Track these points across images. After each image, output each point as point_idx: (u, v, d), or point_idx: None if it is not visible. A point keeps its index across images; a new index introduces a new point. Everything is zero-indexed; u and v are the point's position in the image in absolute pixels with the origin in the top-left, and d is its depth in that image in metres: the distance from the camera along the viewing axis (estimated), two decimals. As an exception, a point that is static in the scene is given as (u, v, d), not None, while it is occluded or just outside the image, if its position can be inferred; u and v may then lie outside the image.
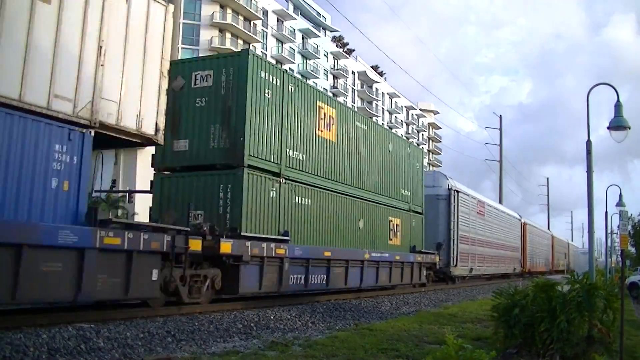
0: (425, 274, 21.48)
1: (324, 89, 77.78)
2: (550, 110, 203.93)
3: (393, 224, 19.36)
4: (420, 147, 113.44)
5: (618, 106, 12.28)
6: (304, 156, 14.29)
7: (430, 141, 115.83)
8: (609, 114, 12.47)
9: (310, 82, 74.70)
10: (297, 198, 13.83)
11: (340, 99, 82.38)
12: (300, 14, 75.43)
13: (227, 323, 9.76)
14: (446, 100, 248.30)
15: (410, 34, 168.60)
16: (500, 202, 46.53)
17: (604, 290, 7.02)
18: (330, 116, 15.64)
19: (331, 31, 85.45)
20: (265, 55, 67.59)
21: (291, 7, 73.15)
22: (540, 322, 6.73)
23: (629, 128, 12.20)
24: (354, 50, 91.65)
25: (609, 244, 42.66)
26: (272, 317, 10.95)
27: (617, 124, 12.16)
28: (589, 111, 13.82)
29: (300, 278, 13.64)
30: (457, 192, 25.98)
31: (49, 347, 6.88)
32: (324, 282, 14.67)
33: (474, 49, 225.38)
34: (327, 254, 14.63)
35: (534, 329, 6.80)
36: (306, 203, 14.21)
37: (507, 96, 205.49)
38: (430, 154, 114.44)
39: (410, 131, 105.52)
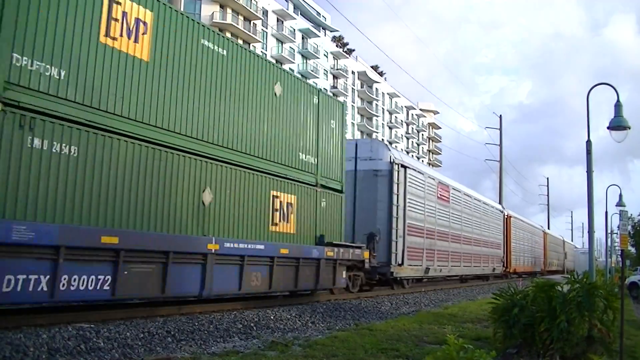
0: (345, 276, 15.52)
1: (324, 89, 77.92)
2: (550, 110, 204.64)
3: (281, 202, 13.20)
4: (420, 146, 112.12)
5: (618, 106, 12.31)
6: (65, 73, 8.59)
7: (430, 141, 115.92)
8: (609, 114, 12.52)
9: (310, 81, 74.94)
10: (36, 141, 8.16)
11: (341, 99, 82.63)
12: (300, 13, 75.49)
13: (227, 323, 9.77)
14: (446, 100, 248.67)
15: (410, 34, 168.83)
16: (500, 202, 46.43)
17: (604, 290, 7.02)
18: (138, 19, 9.84)
19: (331, 31, 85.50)
20: (266, 55, 67.66)
21: (291, 7, 73.21)
22: (540, 322, 6.73)
23: (629, 128, 12.23)
24: (354, 50, 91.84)
25: (609, 244, 42.70)
26: (272, 317, 10.95)
27: (617, 124, 12.18)
28: (589, 111, 13.86)
29: (37, 281, 7.83)
30: (404, 167, 19.34)
31: (49, 347, 6.88)
32: (107, 287, 8.72)
33: (474, 49, 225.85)
34: (111, 240, 8.73)
35: (534, 329, 6.80)
36: (65, 152, 8.52)
37: (507, 96, 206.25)
38: (430, 153, 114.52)
39: (410, 131, 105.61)
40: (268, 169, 12.95)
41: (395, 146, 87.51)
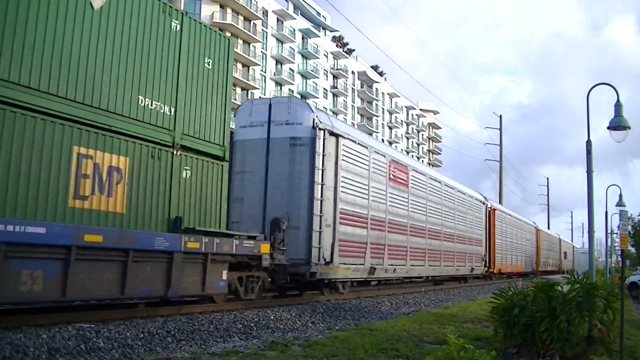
0: (227, 277, 11.14)
1: (324, 89, 77.96)
2: (550, 110, 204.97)
3: (96, 166, 9.01)
4: (420, 146, 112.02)
5: (618, 106, 12.31)
6: None
7: (430, 141, 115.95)
8: (609, 114, 12.52)
9: (310, 82, 75.06)
10: None
11: (340, 99, 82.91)
12: (300, 14, 75.54)
13: (227, 323, 9.77)
14: (446, 100, 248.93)
15: (410, 34, 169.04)
16: (500, 202, 46.43)
17: (604, 290, 7.03)
18: None
19: (331, 31, 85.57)
20: (266, 55, 67.68)
21: (291, 7, 73.26)
22: (540, 322, 6.74)
23: (629, 128, 12.23)
24: (354, 50, 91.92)
25: (609, 244, 42.69)
26: (272, 317, 10.95)
27: (617, 124, 12.19)
28: (589, 111, 13.85)
29: None
30: (336, 135, 14.86)
31: (49, 347, 6.88)
32: None
33: (474, 49, 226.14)
34: None
35: (534, 329, 6.81)
36: None
37: (507, 96, 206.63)
38: (430, 153, 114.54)
39: (410, 131, 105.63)
40: (68, 113, 8.58)
41: (396, 146, 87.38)
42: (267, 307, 12.12)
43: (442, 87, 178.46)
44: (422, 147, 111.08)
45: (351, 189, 15.64)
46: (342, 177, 15.08)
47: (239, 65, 62.80)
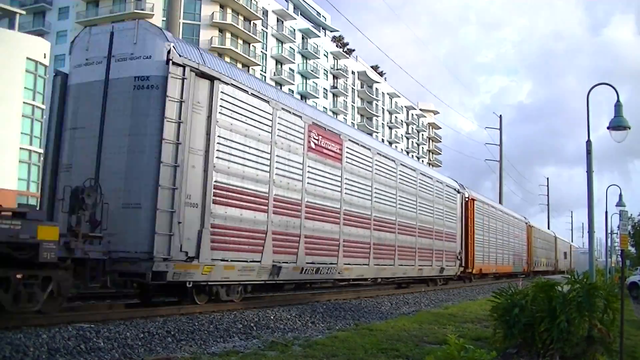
0: None
1: (324, 89, 77.97)
2: (550, 110, 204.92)
3: None
4: (420, 146, 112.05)
5: (618, 106, 12.30)
6: None
7: (430, 141, 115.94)
8: (609, 114, 12.50)
9: (310, 82, 75.02)
10: None
11: (340, 99, 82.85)
12: (300, 14, 75.53)
13: (227, 323, 9.77)
14: (446, 100, 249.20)
15: (410, 34, 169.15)
16: (500, 202, 46.37)
17: (604, 290, 7.03)
18: None
19: (331, 31, 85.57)
20: (266, 55, 67.69)
21: (291, 7, 73.25)
22: (540, 322, 6.75)
23: (629, 128, 12.22)
24: (354, 50, 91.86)
25: (608, 244, 42.67)
26: (272, 317, 10.95)
27: (617, 124, 12.18)
28: (589, 111, 13.84)
29: None
30: (210, 78, 10.71)
31: (49, 347, 6.88)
32: None
33: (474, 49, 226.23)
34: None
35: (534, 329, 6.81)
36: None
37: (507, 96, 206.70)
38: (430, 153, 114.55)
39: (410, 131, 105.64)
40: None
41: (396, 146, 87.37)
42: (267, 307, 12.14)
43: (442, 87, 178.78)
44: (422, 147, 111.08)
45: (238, 157, 11.35)
46: (220, 137, 10.90)
47: (239, 65, 62.79)
